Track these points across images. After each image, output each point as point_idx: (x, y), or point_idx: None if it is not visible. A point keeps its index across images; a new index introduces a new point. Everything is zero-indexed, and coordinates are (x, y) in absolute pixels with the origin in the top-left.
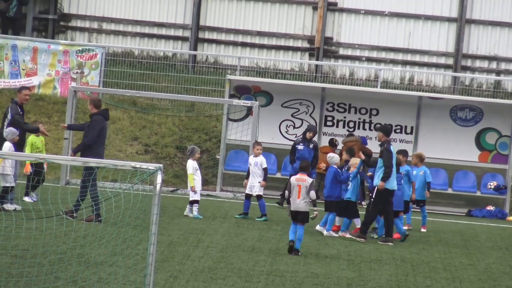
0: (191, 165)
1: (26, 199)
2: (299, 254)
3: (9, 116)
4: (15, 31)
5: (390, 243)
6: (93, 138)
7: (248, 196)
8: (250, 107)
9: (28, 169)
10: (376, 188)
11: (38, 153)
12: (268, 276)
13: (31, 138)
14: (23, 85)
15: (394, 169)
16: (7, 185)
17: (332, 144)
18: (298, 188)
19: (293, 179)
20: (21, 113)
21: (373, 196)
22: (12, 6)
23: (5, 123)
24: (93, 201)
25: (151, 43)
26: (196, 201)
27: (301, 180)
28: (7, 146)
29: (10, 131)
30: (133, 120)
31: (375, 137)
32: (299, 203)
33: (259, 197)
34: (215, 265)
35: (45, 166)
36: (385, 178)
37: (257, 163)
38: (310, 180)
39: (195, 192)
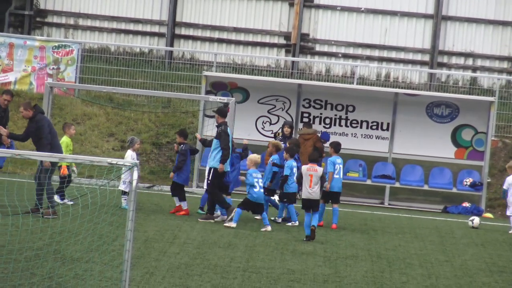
0: (130, 155)
1: (59, 200)
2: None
3: None
4: None
5: (211, 220)
6: (47, 138)
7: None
8: (227, 104)
9: (65, 171)
10: (213, 169)
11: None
12: (244, 273)
13: (66, 139)
14: (1, 82)
15: (230, 150)
16: None
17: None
18: (310, 177)
19: (304, 168)
20: None
21: (210, 178)
22: None
23: None
24: (48, 195)
25: (128, 39)
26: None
27: (313, 170)
28: None
29: None
30: (109, 116)
31: (352, 134)
32: (310, 191)
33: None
34: (191, 261)
35: (74, 168)
36: (224, 160)
37: None
38: (321, 170)
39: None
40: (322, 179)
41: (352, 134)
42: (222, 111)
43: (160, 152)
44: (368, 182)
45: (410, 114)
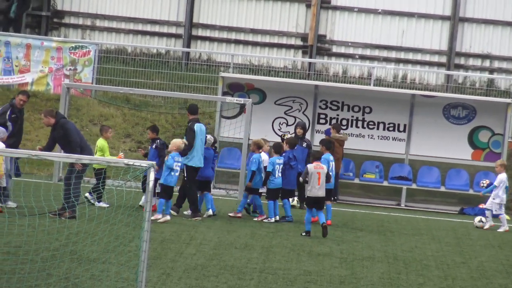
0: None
1: (101, 204)
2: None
3: None
4: (16, 31)
5: (194, 219)
6: (76, 140)
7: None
8: (243, 105)
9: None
10: (185, 166)
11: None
12: (260, 274)
13: (102, 142)
14: (17, 83)
15: (199, 147)
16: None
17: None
18: (317, 176)
19: (311, 166)
20: (12, 115)
21: (185, 175)
22: (13, 8)
23: None
24: (74, 197)
25: (144, 40)
26: None
27: (320, 168)
28: (0, 146)
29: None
30: (126, 117)
31: (368, 135)
32: (318, 189)
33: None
34: (207, 262)
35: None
36: (183, 154)
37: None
38: (326, 168)
39: None
40: (328, 176)
41: (369, 135)
42: (193, 108)
43: None
44: (385, 183)
45: (427, 116)
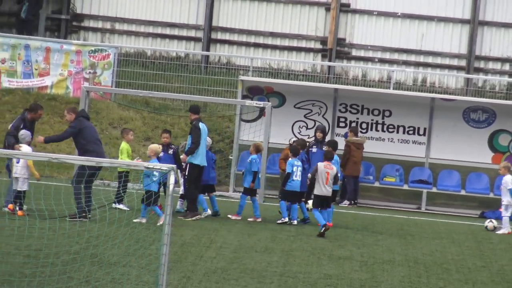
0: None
1: (121, 206)
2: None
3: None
4: (28, 32)
5: (193, 218)
6: (79, 141)
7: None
8: (263, 108)
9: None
10: (189, 164)
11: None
12: (281, 277)
13: (123, 145)
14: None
15: (203, 146)
16: (19, 189)
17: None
18: (326, 175)
19: (321, 165)
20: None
21: (186, 173)
22: (23, 9)
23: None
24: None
25: (164, 44)
26: None
27: (329, 168)
28: (26, 149)
29: (25, 133)
30: (145, 121)
31: (388, 139)
32: (326, 189)
33: None
34: (227, 266)
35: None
36: (189, 152)
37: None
38: (335, 168)
39: None
40: (336, 177)
41: (388, 139)
42: (195, 108)
43: None
44: (405, 187)
45: (447, 119)
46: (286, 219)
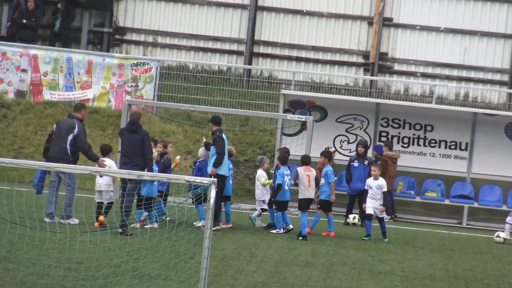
0: (261, 174)
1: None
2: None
3: (75, 132)
4: (63, 45)
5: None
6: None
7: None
8: (304, 122)
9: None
10: (209, 175)
11: None
12: None
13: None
14: (78, 99)
15: (226, 156)
16: (99, 201)
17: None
18: (307, 178)
19: (301, 170)
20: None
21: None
22: (57, 23)
23: (69, 138)
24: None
25: (206, 57)
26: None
27: (309, 171)
28: (110, 162)
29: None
30: (187, 134)
31: (430, 153)
32: (309, 191)
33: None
34: (268, 280)
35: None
36: (217, 164)
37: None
38: (314, 171)
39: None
40: (316, 180)
41: (430, 153)
42: (217, 119)
43: (238, 170)
44: (446, 202)
45: (489, 134)
46: (282, 230)
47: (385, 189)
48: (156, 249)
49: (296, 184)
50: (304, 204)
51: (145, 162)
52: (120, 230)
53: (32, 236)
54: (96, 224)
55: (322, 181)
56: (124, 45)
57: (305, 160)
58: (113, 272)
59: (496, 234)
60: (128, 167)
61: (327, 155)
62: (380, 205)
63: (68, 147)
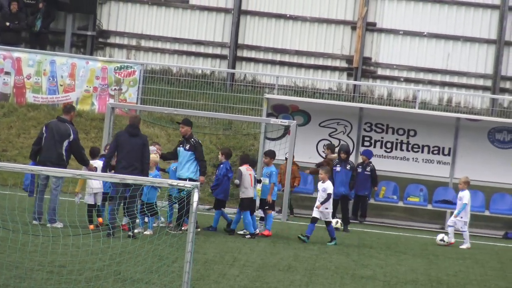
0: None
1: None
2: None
3: (71, 138)
4: (41, 46)
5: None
6: (108, 154)
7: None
8: (288, 126)
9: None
10: (188, 180)
11: None
12: None
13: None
14: (61, 102)
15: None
16: (92, 203)
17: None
18: (250, 177)
19: (243, 169)
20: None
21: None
22: (37, 23)
23: (64, 144)
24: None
25: (189, 61)
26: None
27: (250, 170)
28: (99, 164)
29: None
30: (170, 138)
31: (413, 158)
32: (251, 190)
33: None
34: (250, 284)
35: None
36: (204, 172)
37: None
38: (253, 171)
39: None
40: (256, 179)
41: (413, 158)
42: (189, 121)
43: None
44: (429, 207)
45: (472, 139)
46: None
47: (330, 191)
48: (138, 253)
49: (238, 184)
50: (248, 203)
51: (143, 166)
52: (130, 233)
53: (14, 239)
54: (92, 226)
55: (266, 180)
56: (108, 48)
57: (247, 160)
58: (96, 275)
59: (441, 237)
60: (128, 171)
61: (271, 155)
62: (326, 208)
63: (64, 152)
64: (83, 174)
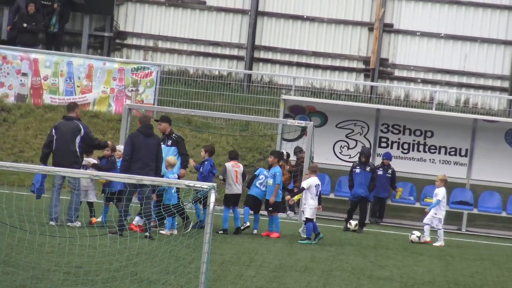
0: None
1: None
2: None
3: (82, 133)
4: (56, 47)
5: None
6: (125, 157)
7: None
8: (305, 127)
9: None
10: (178, 176)
11: None
12: None
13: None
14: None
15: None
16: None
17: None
18: (235, 173)
19: (229, 165)
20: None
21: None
22: (53, 23)
23: (77, 141)
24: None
25: (206, 62)
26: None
27: (237, 166)
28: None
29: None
30: (187, 139)
31: (430, 159)
32: (237, 187)
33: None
34: (267, 285)
35: None
36: (186, 166)
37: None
38: (242, 167)
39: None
40: (243, 175)
41: (430, 159)
42: (169, 118)
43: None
44: (446, 208)
45: (489, 141)
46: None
47: (304, 186)
48: (155, 254)
49: (223, 180)
50: (230, 200)
51: (158, 166)
52: (146, 234)
53: (31, 240)
54: (94, 220)
55: (270, 181)
56: (125, 49)
57: (233, 156)
58: (113, 276)
59: (419, 235)
60: (144, 172)
61: (277, 155)
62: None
63: (77, 149)
64: (100, 175)
